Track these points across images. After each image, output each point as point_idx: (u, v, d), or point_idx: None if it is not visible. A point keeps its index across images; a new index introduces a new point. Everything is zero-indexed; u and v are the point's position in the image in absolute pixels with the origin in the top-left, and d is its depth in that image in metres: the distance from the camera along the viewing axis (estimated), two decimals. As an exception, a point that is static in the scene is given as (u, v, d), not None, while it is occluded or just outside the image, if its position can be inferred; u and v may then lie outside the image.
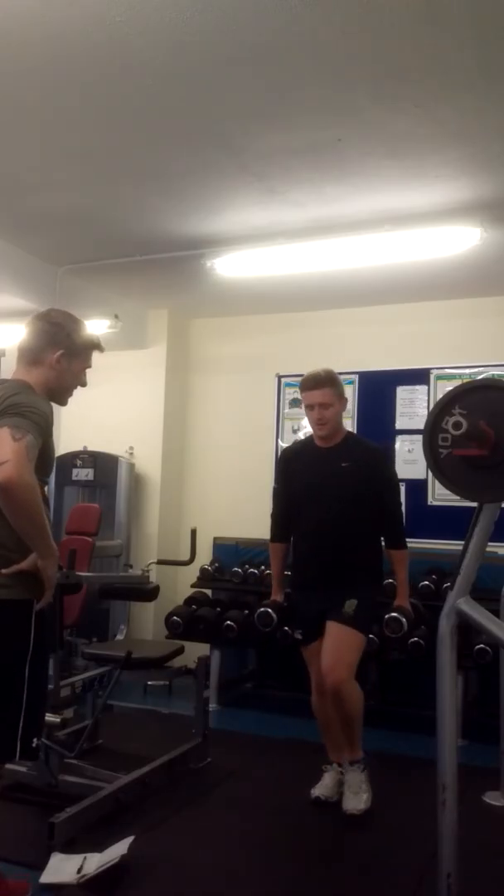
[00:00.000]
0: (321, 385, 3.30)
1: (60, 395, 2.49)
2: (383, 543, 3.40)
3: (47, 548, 2.24)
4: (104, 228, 4.50)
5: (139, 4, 2.49)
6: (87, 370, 2.54)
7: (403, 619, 3.36)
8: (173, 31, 2.62)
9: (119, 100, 3.10)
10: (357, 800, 3.23)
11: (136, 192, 4.00)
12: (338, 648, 3.20)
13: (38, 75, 2.93)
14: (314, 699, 3.40)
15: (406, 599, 3.41)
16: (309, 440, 3.51)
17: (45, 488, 2.40)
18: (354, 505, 3.28)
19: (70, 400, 2.56)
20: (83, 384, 2.54)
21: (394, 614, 3.39)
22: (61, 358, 2.42)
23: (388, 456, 3.54)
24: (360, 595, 3.24)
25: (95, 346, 2.54)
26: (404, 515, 3.52)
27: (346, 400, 3.43)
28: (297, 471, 3.45)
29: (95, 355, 2.57)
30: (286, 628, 3.90)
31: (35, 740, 2.29)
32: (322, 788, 3.36)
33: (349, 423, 5.62)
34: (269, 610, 3.58)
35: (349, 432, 3.51)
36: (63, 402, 2.52)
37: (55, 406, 2.51)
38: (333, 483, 3.31)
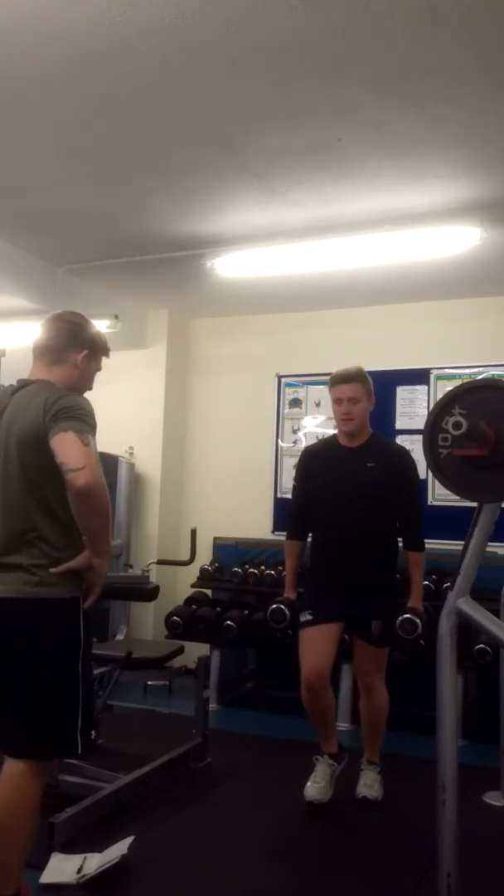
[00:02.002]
0: (351, 380, 3.32)
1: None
2: (400, 544, 3.42)
3: (107, 546, 2.33)
4: (104, 228, 4.50)
5: (139, 4, 2.49)
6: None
7: (418, 621, 3.28)
8: (174, 32, 2.62)
9: (119, 100, 3.10)
10: (370, 790, 3.40)
11: (136, 192, 4.00)
12: (372, 660, 3.37)
13: (38, 75, 2.93)
14: (305, 696, 3.30)
15: (420, 601, 3.39)
16: (332, 439, 3.50)
17: None
18: (377, 505, 3.28)
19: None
20: (91, 388, 2.58)
21: (408, 615, 3.30)
22: (85, 358, 2.46)
23: (412, 459, 3.43)
24: (384, 611, 3.30)
25: (107, 350, 2.60)
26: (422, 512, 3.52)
27: (374, 400, 3.40)
28: (319, 469, 3.44)
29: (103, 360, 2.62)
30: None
31: (93, 733, 2.38)
32: (315, 791, 3.32)
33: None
34: (283, 606, 3.47)
35: (374, 433, 3.45)
36: None
37: None
38: (357, 483, 3.29)
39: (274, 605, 3.50)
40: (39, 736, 2.28)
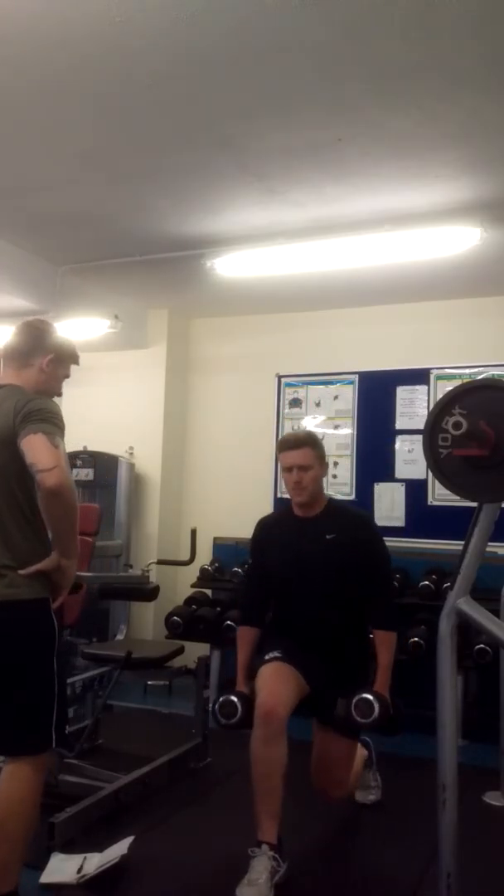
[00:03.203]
0: (301, 444, 2.98)
1: None
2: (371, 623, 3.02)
3: (75, 548, 2.37)
4: (104, 228, 4.50)
5: (139, 4, 2.49)
6: (66, 380, 2.64)
7: (376, 704, 2.76)
8: (174, 32, 2.62)
9: (119, 100, 3.10)
10: (367, 793, 3.31)
11: (136, 192, 4.00)
12: (337, 766, 2.97)
13: (38, 75, 2.93)
14: (259, 727, 2.73)
15: (385, 687, 2.88)
16: (286, 510, 3.14)
17: None
18: (341, 582, 2.95)
19: (70, 400, 2.62)
20: (60, 393, 2.63)
21: (366, 695, 2.78)
22: (50, 362, 2.51)
23: (375, 524, 3.16)
24: (350, 691, 2.86)
25: (75, 357, 2.64)
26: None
27: (327, 465, 3.11)
28: (274, 545, 3.09)
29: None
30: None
31: (66, 727, 2.44)
32: (251, 891, 2.51)
33: (350, 424, 5.64)
34: (234, 698, 2.89)
35: (331, 499, 3.15)
36: None
37: None
38: (316, 558, 2.95)
39: (222, 698, 2.93)
40: (17, 734, 2.34)
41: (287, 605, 3.05)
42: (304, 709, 2.92)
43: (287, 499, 3.15)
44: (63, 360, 2.56)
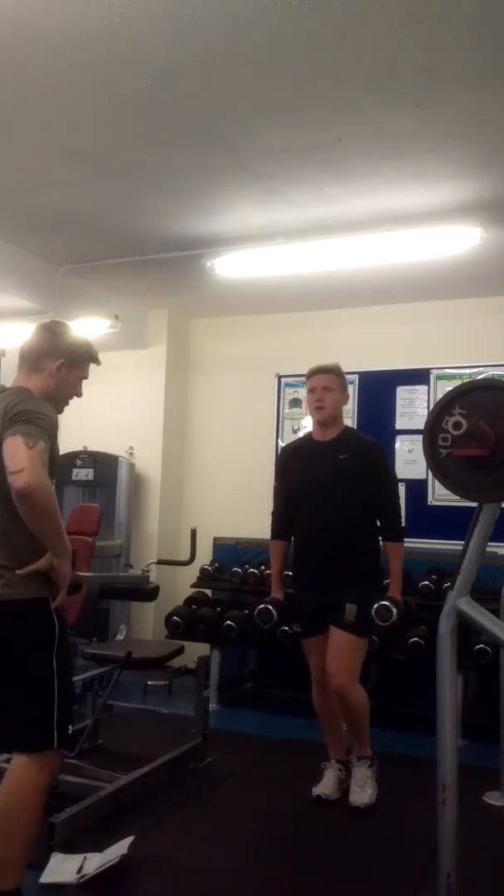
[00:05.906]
0: (327, 371, 3.42)
1: (57, 403, 2.54)
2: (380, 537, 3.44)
3: (63, 546, 2.35)
4: (104, 228, 4.50)
5: (139, 4, 2.49)
6: (84, 381, 2.62)
7: (394, 609, 3.27)
8: (173, 32, 2.62)
9: (119, 100, 3.10)
10: (362, 794, 3.31)
11: (136, 192, 4.00)
12: (341, 654, 3.28)
13: (37, 75, 2.93)
14: (314, 693, 3.46)
15: (398, 591, 3.40)
16: (307, 437, 3.57)
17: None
18: (352, 497, 3.33)
19: (71, 400, 2.61)
20: (79, 395, 2.62)
21: (384, 602, 3.31)
22: (61, 367, 2.50)
23: (383, 450, 3.60)
24: (359, 598, 3.29)
25: (93, 358, 2.62)
26: (403, 514, 3.56)
27: (348, 396, 3.54)
28: (295, 467, 3.50)
29: (92, 366, 2.65)
30: (285, 627, 3.97)
31: (70, 727, 2.42)
32: (323, 787, 3.39)
33: (350, 424, 5.63)
34: (270, 606, 3.54)
35: (347, 427, 3.56)
36: (59, 411, 2.57)
37: None
38: (331, 476, 3.35)
39: (261, 605, 3.57)
40: (17, 731, 2.36)
41: (305, 518, 3.44)
42: (322, 619, 3.36)
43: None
44: (76, 364, 2.54)
